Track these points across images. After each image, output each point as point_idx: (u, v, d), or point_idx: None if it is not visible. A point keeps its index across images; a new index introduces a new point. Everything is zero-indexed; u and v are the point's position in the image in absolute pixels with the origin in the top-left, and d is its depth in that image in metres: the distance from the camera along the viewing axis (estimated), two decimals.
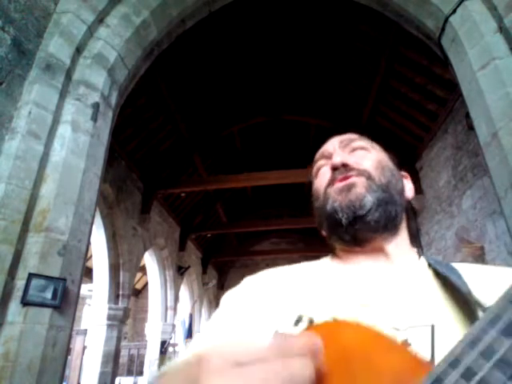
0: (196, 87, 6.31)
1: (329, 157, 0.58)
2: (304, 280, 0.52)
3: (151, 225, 7.33)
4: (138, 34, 2.70)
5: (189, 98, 6.40)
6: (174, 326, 8.42)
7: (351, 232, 0.51)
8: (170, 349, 8.64)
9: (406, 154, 6.39)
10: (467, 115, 3.28)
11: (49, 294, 1.84)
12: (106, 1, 2.50)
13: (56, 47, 2.24)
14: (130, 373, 10.24)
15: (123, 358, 9.25)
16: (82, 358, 7.45)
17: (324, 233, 0.58)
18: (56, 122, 2.18)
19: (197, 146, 7.39)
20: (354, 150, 0.58)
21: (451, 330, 0.39)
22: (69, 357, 6.16)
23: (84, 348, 7.54)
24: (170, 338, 8.06)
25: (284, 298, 0.49)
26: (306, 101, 7.09)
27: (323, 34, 5.53)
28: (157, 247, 8.06)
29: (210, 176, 8.32)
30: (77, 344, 7.66)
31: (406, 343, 0.37)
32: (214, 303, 12.23)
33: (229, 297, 0.55)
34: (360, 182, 0.51)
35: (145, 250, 7.22)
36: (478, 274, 0.48)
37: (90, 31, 2.46)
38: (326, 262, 0.58)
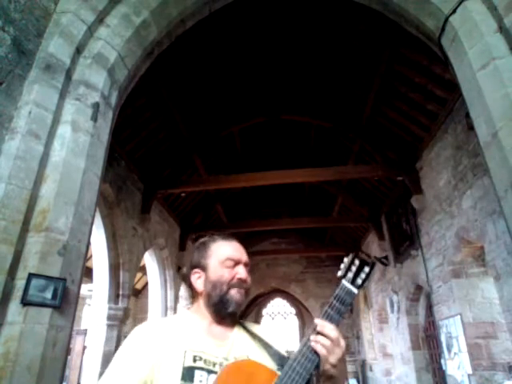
0: (196, 87, 6.31)
1: (237, 262, 1.04)
2: (189, 329, 0.99)
3: (151, 225, 7.33)
4: (139, 34, 2.69)
5: (188, 98, 6.40)
6: None
7: (227, 315, 1.01)
8: None
9: (406, 154, 6.39)
10: (467, 115, 3.28)
11: (49, 294, 1.84)
12: (106, 1, 2.50)
13: (56, 47, 2.24)
14: None
15: None
16: (82, 358, 7.46)
17: (207, 300, 1.03)
18: (56, 121, 2.17)
19: (197, 146, 7.39)
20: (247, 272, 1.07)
21: (260, 357, 0.96)
22: (69, 357, 6.16)
23: (84, 348, 7.55)
24: None
25: (180, 342, 0.94)
26: (306, 101, 7.08)
27: (323, 34, 5.52)
28: (157, 247, 8.06)
29: (210, 176, 8.31)
30: (77, 344, 7.67)
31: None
32: None
33: (136, 338, 0.97)
34: (244, 298, 1.03)
35: (145, 249, 7.22)
36: (260, 328, 1.10)
37: (90, 31, 2.45)
38: (195, 318, 1.03)
